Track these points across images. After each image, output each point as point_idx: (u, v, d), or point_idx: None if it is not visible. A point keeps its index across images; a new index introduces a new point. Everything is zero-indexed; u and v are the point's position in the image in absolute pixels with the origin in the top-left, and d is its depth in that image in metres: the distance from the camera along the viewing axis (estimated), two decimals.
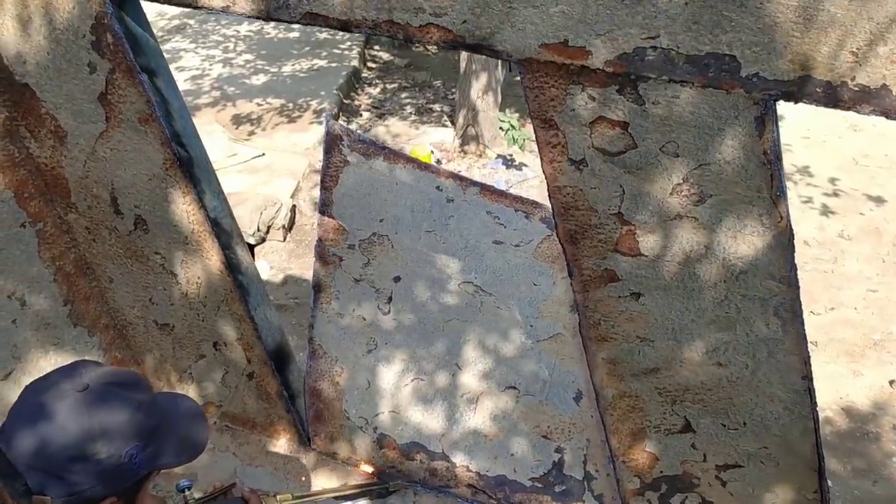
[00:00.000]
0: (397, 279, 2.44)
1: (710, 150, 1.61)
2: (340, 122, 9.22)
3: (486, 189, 2.27)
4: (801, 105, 1.51)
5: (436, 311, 2.45)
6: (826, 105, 1.47)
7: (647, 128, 1.63)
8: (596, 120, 1.66)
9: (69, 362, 1.35)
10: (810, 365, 1.86)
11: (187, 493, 1.83)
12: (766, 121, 1.53)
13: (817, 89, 1.44)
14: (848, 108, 1.45)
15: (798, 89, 1.46)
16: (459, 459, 2.61)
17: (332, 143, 2.32)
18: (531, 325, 2.37)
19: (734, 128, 1.56)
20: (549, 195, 1.83)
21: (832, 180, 8.26)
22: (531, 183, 8.19)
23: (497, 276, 2.34)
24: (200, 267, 2.46)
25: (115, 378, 1.32)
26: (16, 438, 1.22)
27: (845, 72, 1.40)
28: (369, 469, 2.75)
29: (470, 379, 2.54)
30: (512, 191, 8.05)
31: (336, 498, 2.70)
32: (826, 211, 7.65)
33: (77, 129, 2.23)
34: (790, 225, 1.65)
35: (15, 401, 1.27)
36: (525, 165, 8.46)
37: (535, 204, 2.29)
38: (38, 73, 2.13)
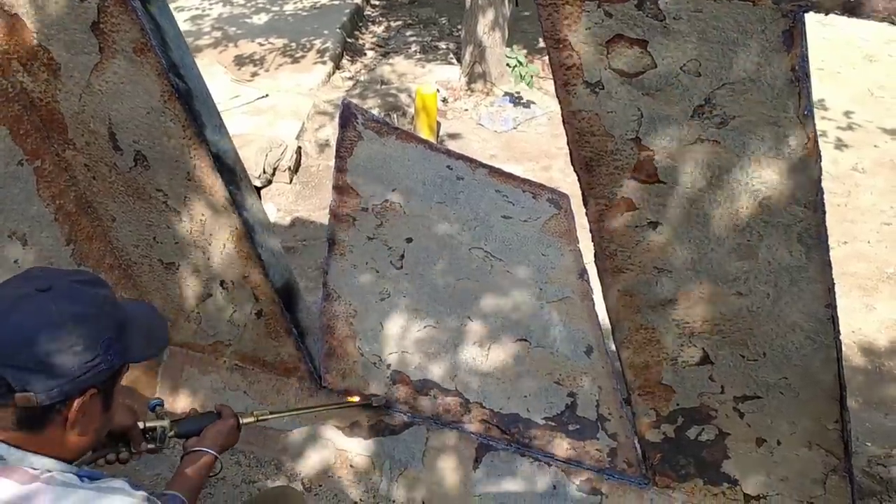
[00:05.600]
0: (409, 240, 2.49)
1: (734, 68, 1.53)
2: (346, 59, 9.06)
3: (494, 171, 2.37)
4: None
5: (447, 270, 2.50)
6: (856, 15, 1.38)
7: (668, 46, 1.54)
8: (613, 38, 1.57)
9: (22, 271, 1.36)
10: (834, 293, 1.80)
11: (159, 409, 1.87)
12: (794, 34, 1.44)
13: None
14: (883, 20, 1.36)
15: None
16: (472, 397, 2.59)
17: (347, 119, 2.38)
18: (540, 289, 2.42)
19: (760, 43, 1.47)
20: (563, 120, 1.75)
21: (847, 113, 8.09)
22: (539, 121, 8.05)
23: (506, 245, 2.41)
24: (204, 204, 2.40)
25: (76, 277, 1.34)
26: None
27: None
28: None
29: (482, 328, 2.54)
30: (520, 128, 7.93)
31: (313, 413, 2.75)
32: (840, 144, 7.50)
33: (70, 61, 2.15)
34: (818, 146, 1.58)
35: None
36: (533, 103, 8.30)
37: (541, 186, 2.35)
38: (27, 1, 2.04)
